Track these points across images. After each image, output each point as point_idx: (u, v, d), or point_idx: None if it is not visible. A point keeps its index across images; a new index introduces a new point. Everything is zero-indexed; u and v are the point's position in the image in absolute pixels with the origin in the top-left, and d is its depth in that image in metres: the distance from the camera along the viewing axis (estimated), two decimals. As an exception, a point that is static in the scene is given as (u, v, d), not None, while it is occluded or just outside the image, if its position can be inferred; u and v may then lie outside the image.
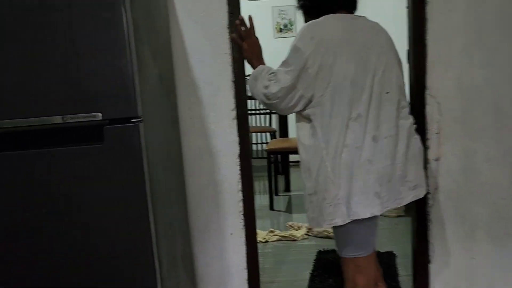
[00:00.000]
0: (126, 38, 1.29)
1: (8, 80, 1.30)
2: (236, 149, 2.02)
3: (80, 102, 1.31)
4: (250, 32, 1.83)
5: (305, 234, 2.98)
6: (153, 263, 1.42)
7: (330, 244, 2.81)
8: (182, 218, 1.92)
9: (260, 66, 1.71)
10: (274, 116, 5.11)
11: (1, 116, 1.32)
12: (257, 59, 1.78)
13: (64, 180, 1.35)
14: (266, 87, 1.55)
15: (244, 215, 2.06)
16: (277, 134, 4.83)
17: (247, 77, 1.77)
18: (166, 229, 1.58)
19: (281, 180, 4.20)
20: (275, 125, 5.17)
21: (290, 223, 3.18)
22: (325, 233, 2.92)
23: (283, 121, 4.58)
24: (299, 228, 3.05)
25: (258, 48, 1.80)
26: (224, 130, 2.01)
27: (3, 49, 1.29)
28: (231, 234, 2.07)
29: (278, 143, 3.79)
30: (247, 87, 1.79)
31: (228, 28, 1.93)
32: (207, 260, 2.08)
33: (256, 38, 1.82)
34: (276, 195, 3.94)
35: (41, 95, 1.31)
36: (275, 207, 3.67)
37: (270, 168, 3.68)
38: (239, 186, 2.04)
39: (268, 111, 4.86)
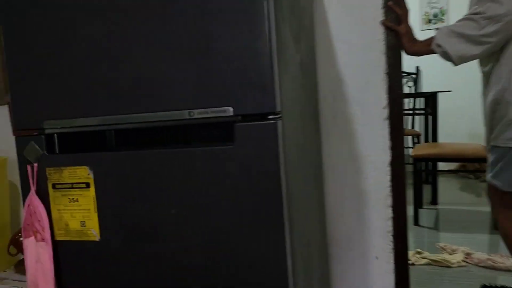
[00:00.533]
0: (265, 14, 1.04)
1: (130, 68, 1.14)
2: (386, 155, 1.67)
3: (209, 93, 1.09)
4: (406, 15, 1.59)
5: (462, 260, 2.47)
6: (286, 284, 1.16)
7: (494, 276, 2.29)
8: (320, 235, 1.63)
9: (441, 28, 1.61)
10: (417, 118, 4.56)
11: (122, 110, 1.15)
12: (419, 43, 1.59)
13: (189, 184, 1.15)
14: (481, 29, 1.48)
15: (394, 236, 1.70)
16: (421, 138, 4.29)
17: (403, 73, 1.51)
18: (303, 247, 1.30)
19: (426, 190, 3.68)
20: (418, 127, 4.63)
21: (442, 244, 2.68)
22: (490, 262, 2.38)
23: (432, 124, 4.01)
24: (453, 252, 2.54)
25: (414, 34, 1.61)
26: (373, 132, 1.67)
27: (126, 32, 1.13)
28: (377, 258, 1.72)
29: (426, 149, 3.28)
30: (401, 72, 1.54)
31: (383, 9, 1.60)
32: (347, 286, 1.76)
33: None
34: (420, 207, 3.44)
35: (166, 85, 1.12)
36: (419, 222, 3.19)
37: (416, 177, 3.20)
38: (389, 201, 1.68)
39: (411, 111, 4.34)
